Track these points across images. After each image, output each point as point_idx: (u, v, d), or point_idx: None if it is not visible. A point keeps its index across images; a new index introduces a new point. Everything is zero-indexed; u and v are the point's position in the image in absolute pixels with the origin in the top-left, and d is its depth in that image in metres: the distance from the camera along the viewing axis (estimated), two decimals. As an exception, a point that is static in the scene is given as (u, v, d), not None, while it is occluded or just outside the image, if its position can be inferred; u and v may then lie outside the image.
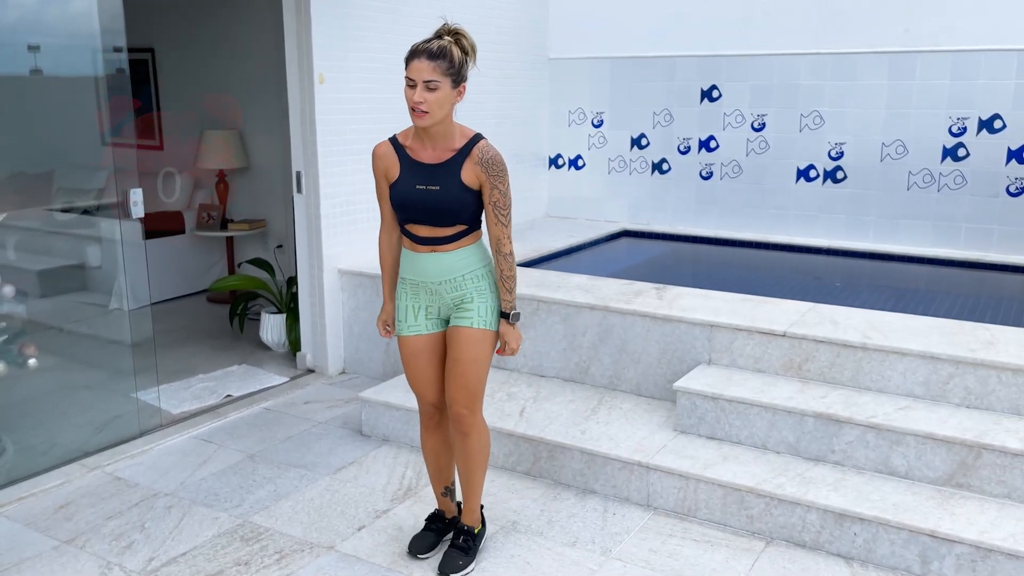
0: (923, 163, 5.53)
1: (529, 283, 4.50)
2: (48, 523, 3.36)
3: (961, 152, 5.41)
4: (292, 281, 5.26)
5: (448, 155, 2.73)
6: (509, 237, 2.82)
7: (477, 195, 2.76)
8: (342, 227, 4.91)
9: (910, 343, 3.53)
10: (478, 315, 2.83)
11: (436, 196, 2.72)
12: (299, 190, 4.81)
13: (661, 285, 4.46)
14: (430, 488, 3.55)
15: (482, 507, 3.19)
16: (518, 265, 2.98)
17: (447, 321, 2.91)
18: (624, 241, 6.42)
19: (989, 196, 5.38)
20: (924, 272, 5.50)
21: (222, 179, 6.73)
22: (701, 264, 6.02)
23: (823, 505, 3.10)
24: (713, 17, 6.08)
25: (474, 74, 2.79)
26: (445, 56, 2.61)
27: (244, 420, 4.39)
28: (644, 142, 6.46)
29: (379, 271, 4.76)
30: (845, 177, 5.79)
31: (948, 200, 5.49)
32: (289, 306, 5.26)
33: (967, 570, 2.88)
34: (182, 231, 6.77)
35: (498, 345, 2.93)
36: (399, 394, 4.14)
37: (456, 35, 2.68)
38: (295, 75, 4.68)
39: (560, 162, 6.85)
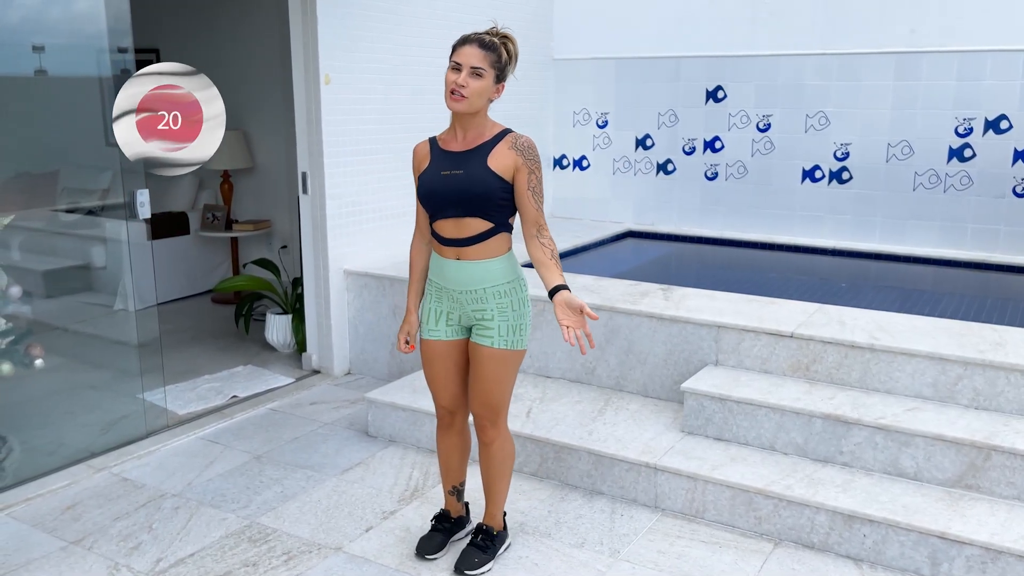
0: (929, 164, 5.52)
1: (535, 284, 4.48)
2: (55, 524, 3.36)
3: (967, 153, 5.40)
4: (297, 282, 5.26)
5: (477, 143, 2.75)
6: (545, 223, 2.83)
7: (502, 185, 2.73)
8: (348, 228, 4.91)
9: (918, 344, 3.52)
10: (499, 335, 2.82)
11: (459, 180, 2.72)
12: (304, 191, 4.81)
13: (667, 286, 4.45)
14: (437, 489, 3.54)
15: (505, 514, 3.15)
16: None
17: (469, 330, 2.89)
18: (629, 242, 6.42)
19: (995, 196, 5.37)
20: (930, 273, 5.49)
21: (227, 179, 6.73)
22: (707, 265, 6.01)
23: (832, 506, 3.09)
24: (718, 18, 6.08)
25: None
26: (495, 49, 2.70)
27: (250, 421, 4.39)
28: (649, 143, 6.46)
29: (384, 272, 4.81)
30: (851, 178, 5.78)
31: (954, 201, 5.48)
32: (294, 307, 5.26)
33: (977, 572, 2.87)
34: (187, 232, 6.77)
35: (521, 350, 2.88)
36: (405, 395, 4.14)
37: (504, 39, 2.76)
38: (301, 76, 4.68)
39: (565, 163, 6.85)
